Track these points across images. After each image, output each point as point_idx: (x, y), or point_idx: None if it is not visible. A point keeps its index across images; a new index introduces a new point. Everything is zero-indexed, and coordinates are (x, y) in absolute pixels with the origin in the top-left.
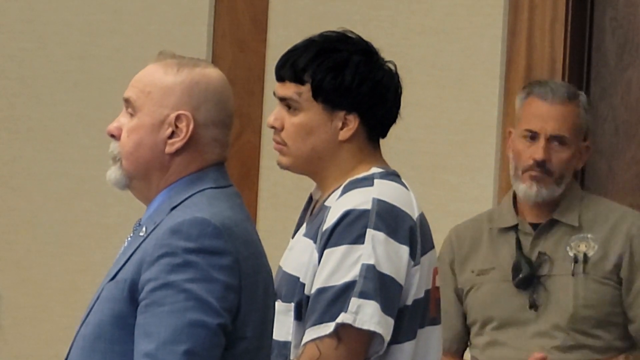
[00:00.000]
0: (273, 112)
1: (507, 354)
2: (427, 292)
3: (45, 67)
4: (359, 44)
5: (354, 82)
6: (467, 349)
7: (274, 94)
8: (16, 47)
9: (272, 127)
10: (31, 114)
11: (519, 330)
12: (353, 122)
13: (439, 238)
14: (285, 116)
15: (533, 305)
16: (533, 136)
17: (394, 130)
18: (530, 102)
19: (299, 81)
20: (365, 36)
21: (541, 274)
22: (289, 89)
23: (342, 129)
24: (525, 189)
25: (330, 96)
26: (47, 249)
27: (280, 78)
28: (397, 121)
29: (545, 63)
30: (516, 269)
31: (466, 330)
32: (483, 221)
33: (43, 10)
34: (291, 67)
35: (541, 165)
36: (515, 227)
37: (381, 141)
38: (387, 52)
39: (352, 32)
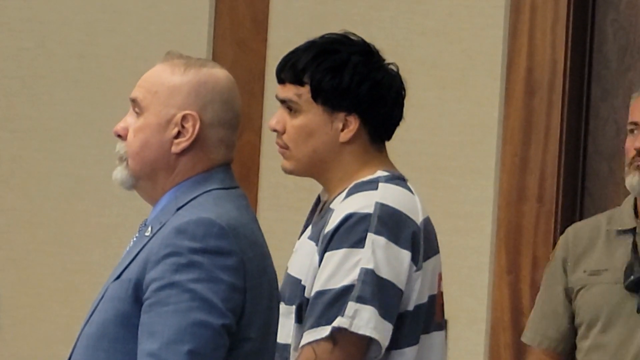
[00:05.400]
0: (275, 115)
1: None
2: (432, 297)
3: (44, 67)
4: (359, 45)
5: (352, 83)
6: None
7: (276, 96)
8: (16, 46)
9: (274, 130)
10: (31, 114)
11: (623, 334)
12: (353, 124)
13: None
14: (287, 119)
15: None
16: (633, 128)
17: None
18: (638, 98)
19: (299, 82)
20: (366, 37)
21: None
22: (289, 91)
23: (342, 130)
24: (630, 180)
25: (329, 97)
26: (46, 249)
27: (281, 80)
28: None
29: (547, 64)
30: (628, 271)
31: (574, 330)
32: (602, 222)
33: (42, 10)
34: (291, 69)
35: None
36: (633, 230)
37: None
38: (388, 52)
39: (354, 34)
